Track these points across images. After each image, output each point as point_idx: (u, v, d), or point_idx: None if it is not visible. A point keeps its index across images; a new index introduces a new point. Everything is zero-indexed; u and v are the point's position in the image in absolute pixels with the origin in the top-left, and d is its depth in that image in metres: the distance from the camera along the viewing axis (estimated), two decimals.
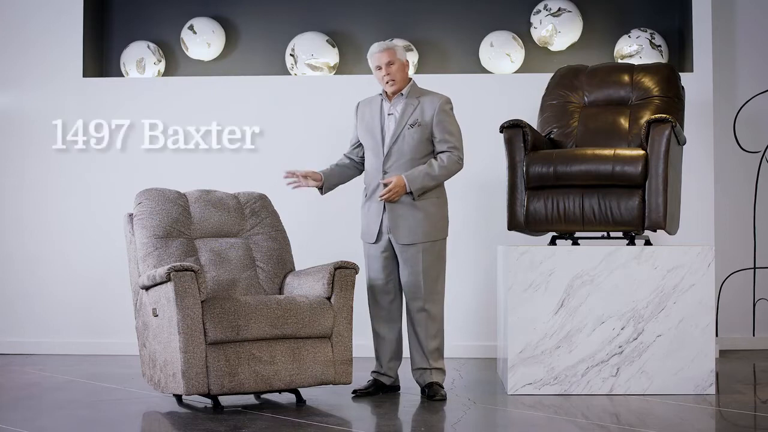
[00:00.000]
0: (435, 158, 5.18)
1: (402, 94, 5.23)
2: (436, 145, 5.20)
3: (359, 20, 7.18)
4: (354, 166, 5.41)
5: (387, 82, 5.20)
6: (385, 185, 5.14)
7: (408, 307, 5.25)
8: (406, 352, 5.38)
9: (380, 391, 5.27)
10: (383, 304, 5.27)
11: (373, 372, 5.32)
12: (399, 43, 6.92)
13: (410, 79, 5.29)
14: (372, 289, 5.29)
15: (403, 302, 5.30)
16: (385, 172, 5.18)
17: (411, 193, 5.13)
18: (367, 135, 5.28)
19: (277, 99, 6.95)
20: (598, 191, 5.42)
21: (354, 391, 5.22)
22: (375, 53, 5.23)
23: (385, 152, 5.19)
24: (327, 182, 5.37)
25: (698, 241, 6.54)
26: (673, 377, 5.22)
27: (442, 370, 5.25)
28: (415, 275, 5.17)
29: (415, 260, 5.17)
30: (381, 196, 5.14)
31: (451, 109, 5.24)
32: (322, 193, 5.42)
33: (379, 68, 5.21)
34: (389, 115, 5.23)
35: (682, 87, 6.00)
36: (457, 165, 5.18)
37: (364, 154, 5.35)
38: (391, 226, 5.17)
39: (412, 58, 6.91)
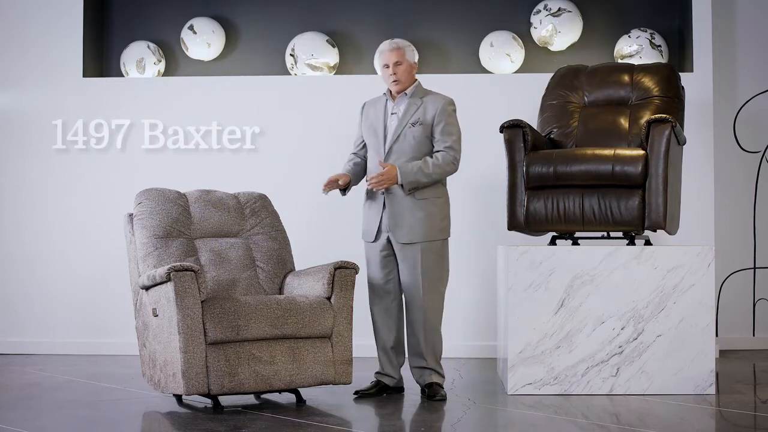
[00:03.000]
0: (431, 156, 5.19)
1: (406, 94, 5.24)
2: (434, 144, 5.20)
3: (359, 20, 7.18)
4: (364, 166, 5.37)
5: (392, 81, 5.21)
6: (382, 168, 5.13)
7: (407, 306, 5.24)
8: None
9: (383, 393, 5.26)
10: (383, 304, 5.26)
11: (377, 373, 5.30)
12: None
13: (416, 79, 5.29)
14: (372, 289, 5.28)
15: (403, 302, 5.29)
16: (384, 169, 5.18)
17: (402, 187, 5.13)
18: (370, 133, 5.29)
19: (277, 99, 6.95)
20: (598, 191, 5.42)
21: (356, 392, 5.21)
22: (384, 51, 5.25)
23: (386, 150, 5.19)
24: (351, 184, 5.33)
25: (698, 241, 6.54)
26: (673, 377, 5.22)
27: (440, 372, 5.24)
28: (413, 275, 5.17)
29: (414, 260, 5.16)
30: (369, 182, 5.14)
31: (454, 111, 5.24)
32: (344, 194, 5.33)
33: (387, 66, 5.22)
34: (392, 114, 5.25)
35: (682, 87, 6.00)
36: (452, 166, 5.17)
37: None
38: (391, 224, 5.17)
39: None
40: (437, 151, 5.18)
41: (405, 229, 5.16)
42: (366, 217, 5.29)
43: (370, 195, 5.26)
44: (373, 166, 5.25)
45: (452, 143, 5.17)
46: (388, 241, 5.21)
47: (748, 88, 7.08)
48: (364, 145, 5.36)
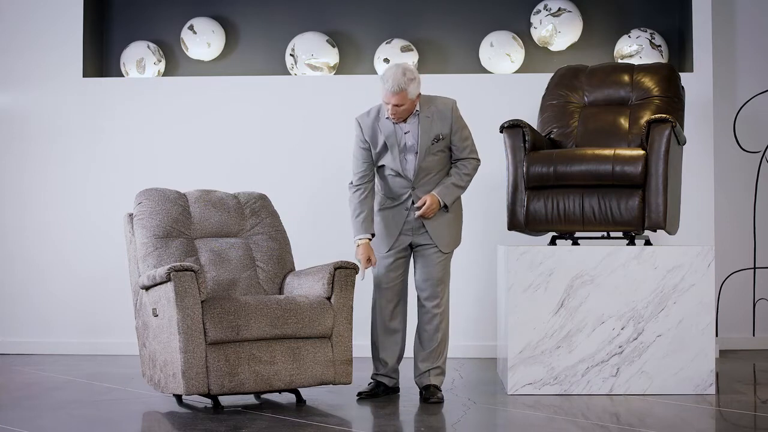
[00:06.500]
0: (457, 167, 5.16)
1: (417, 111, 5.12)
2: (455, 153, 5.17)
3: (359, 20, 7.18)
4: (372, 190, 5.20)
5: (391, 116, 5.06)
6: (418, 208, 5.08)
7: (424, 308, 5.20)
8: (407, 352, 5.37)
9: (384, 392, 5.25)
10: (391, 306, 5.23)
11: (376, 375, 5.28)
12: (400, 44, 6.91)
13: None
14: (380, 292, 5.24)
15: (408, 304, 5.28)
16: (413, 188, 5.12)
17: (445, 206, 5.11)
18: (384, 154, 5.16)
19: (277, 99, 6.94)
20: (598, 191, 5.42)
21: (359, 394, 5.19)
22: (388, 91, 5.00)
23: (414, 172, 5.11)
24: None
25: (698, 241, 6.54)
26: (673, 377, 5.22)
27: (443, 371, 5.25)
28: (436, 278, 5.16)
29: (437, 264, 5.16)
30: (418, 215, 5.07)
31: (458, 110, 5.21)
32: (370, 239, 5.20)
33: (387, 104, 5.04)
34: (405, 133, 5.13)
35: (682, 87, 6.00)
36: (476, 170, 5.22)
37: (374, 170, 5.21)
38: (433, 234, 5.11)
39: (413, 58, 6.89)
40: (461, 159, 5.16)
41: (447, 238, 5.16)
42: (380, 226, 5.19)
43: (393, 207, 5.18)
44: (397, 186, 5.12)
45: (471, 147, 5.20)
46: (407, 246, 5.17)
47: (748, 88, 7.08)
48: (368, 167, 5.18)
